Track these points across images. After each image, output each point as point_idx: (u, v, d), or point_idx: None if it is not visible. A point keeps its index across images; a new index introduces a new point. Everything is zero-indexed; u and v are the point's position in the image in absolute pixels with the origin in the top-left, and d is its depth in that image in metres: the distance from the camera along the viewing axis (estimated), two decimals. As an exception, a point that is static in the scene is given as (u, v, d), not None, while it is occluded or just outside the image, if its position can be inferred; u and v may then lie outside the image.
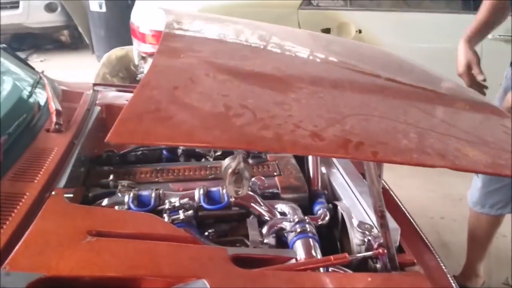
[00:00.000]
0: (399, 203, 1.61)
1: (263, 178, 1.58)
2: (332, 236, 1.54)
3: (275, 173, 1.66)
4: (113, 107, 1.95)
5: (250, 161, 1.75)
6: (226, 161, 1.29)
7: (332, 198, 1.65)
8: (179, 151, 1.81)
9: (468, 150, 0.94)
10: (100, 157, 1.71)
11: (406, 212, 1.58)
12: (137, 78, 4.33)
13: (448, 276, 1.28)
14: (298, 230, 1.31)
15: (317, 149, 0.86)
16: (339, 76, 1.29)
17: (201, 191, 1.42)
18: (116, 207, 1.36)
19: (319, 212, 1.52)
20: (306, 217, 1.38)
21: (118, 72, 4.53)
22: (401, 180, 2.94)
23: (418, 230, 1.48)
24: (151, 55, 3.50)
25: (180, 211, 1.34)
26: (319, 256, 1.27)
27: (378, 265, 1.32)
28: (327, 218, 1.50)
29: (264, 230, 1.39)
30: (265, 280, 1.09)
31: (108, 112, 1.93)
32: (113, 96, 2.12)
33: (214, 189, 1.45)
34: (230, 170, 1.24)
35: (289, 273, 1.13)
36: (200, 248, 1.17)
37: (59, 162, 1.38)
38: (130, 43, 4.06)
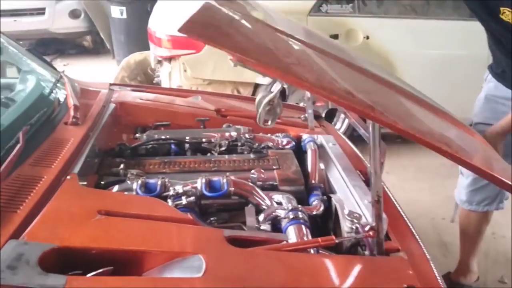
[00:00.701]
0: (390, 196, 1.70)
1: (262, 170, 1.69)
2: (326, 226, 1.64)
3: (274, 167, 1.77)
4: (127, 104, 2.10)
5: (252, 155, 1.86)
6: (262, 93, 1.41)
7: (328, 191, 1.75)
8: (186, 146, 1.93)
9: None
10: (113, 150, 1.84)
11: (397, 205, 1.67)
12: (154, 82, 4.49)
13: (431, 263, 1.37)
14: (291, 216, 1.42)
15: (350, 101, 1.00)
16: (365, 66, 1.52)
17: (203, 180, 1.53)
18: (125, 193, 1.49)
19: (314, 203, 1.62)
20: (299, 206, 1.48)
21: (136, 75, 4.71)
22: (405, 183, 3.02)
23: (407, 222, 1.57)
24: (166, 59, 3.66)
25: (183, 197, 1.46)
26: (305, 238, 1.36)
27: (366, 252, 1.42)
28: (321, 209, 1.60)
29: (261, 217, 1.50)
30: (256, 258, 1.20)
31: (122, 109, 2.06)
32: (128, 95, 2.26)
33: (215, 178, 1.56)
34: (266, 100, 1.39)
35: (278, 252, 1.24)
36: (198, 229, 1.29)
37: (74, 151, 1.51)
38: (149, 48, 4.24)
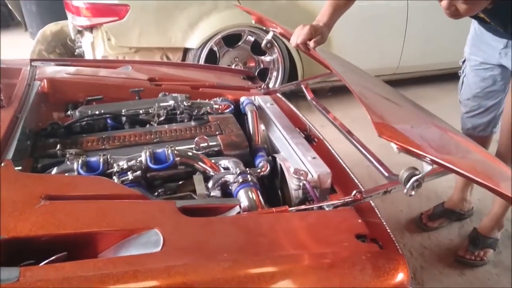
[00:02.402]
0: (331, 149, 1.76)
1: (205, 137, 1.68)
2: (273, 185, 1.68)
3: (217, 132, 1.76)
4: (54, 80, 1.98)
5: (192, 123, 1.84)
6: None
7: (272, 151, 1.78)
8: (123, 119, 1.87)
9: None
10: (45, 130, 1.74)
11: (338, 157, 1.73)
12: (76, 54, 4.26)
13: (376, 210, 1.44)
14: (240, 180, 1.43)
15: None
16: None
17: (147, 153, 1.50)
18: (66, 175, 1.43)
19: (260, 164, 1.65)
20: (247, 169, 1.50)
21: (55, 48, 4.43)
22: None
23: (351, 174, 1.63)
24: (87, 28, 3.47)
25: (129, 173, 1.42)
26: (261, 201, 1.39)
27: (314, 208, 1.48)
28: (267, 169, 1.63)
29: (210, 184, 1.50)
30: (212, 225, 1.20)
31: (49, 86, 1.95)
32: (52, 70, 2.13)
33: (159, 150, 1.53)
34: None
35: (233, 217, 1.25)
36: (150, 203, 1.27)
37: (4, 136, 1.42)
38: (65, 18, 3.98)
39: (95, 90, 2.01)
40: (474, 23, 2.26)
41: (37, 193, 1.19)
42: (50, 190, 1.21)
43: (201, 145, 1.66)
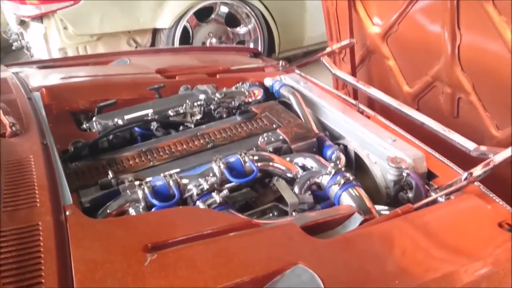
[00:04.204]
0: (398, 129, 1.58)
1: (269, 133, 1.45)
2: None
3: (274, 126, 1.53)
4: (55, 88, 1.62)
5: (238, 117, 1.58)
6: None
7: (332, 138, 1.58)
8: (153, 125, 1.57)
9: None
10: (67, 152, 1.41)
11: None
12: (14, 48, 3.75)
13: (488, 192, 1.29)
14: (342, 181, 1.23)
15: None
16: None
17: (221, 165, 1.25)
18: (131, 209, 1.15)
19: (333, 156, 1.44)
20: (339, 166, 1.29)
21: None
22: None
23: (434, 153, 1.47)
24: (37, 17, 2.99)
25: (214, 194, 1.17)
26: (367, 202, 1.20)
27: (410, 195, 1.32)
28: (344, 160, 1.44)
29: (296, 189, 1.29)
30: (351, 245, 1.01)
31: (50, 95, 1.59)
32: (42, 76, 1.76)
33: (232, 159, 1.28)
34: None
35: (364, 230, 1.06)
36: (270, 230, 1.04)
37: (48, 174, 1.10)
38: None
39: (104, 94, 1.68)
40: None
41: (133, 245, 0.92)
42: (146, 238, 0.95)
43: (269, 144, 1.43)
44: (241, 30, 3.52)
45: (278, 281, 0.90)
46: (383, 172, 1.39)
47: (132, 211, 1.16)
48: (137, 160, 1.38)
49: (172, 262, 0.90)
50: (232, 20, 3.45)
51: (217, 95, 1.67)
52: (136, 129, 1.57)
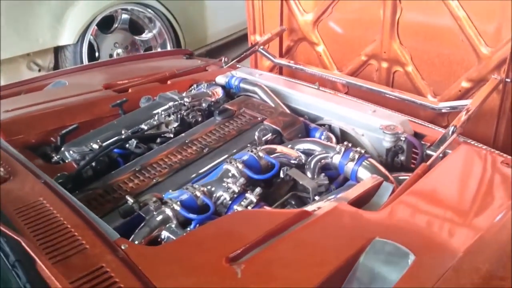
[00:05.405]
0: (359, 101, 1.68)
1: (266, 127, 1.45)
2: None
3: (259, 118, 1.52)
4: (10, 123, 1.43)
5: (218, 118, 1.54)
6: None
7: (311, 120, 1.62)
8: (131, 143, 1.46)
9: None
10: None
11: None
12: None
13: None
14: (356, 156, 1.27)
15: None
16: None
17: (239, 165, 1.21)
18: (165, 233, 1.07)
19: (322, 136, 1.49)
20: (346, 143, 1.33)
21: None
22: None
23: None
24: None
25: (247, 194, 1.14)
26: (383, 170, 1.26)
27: (402, 158, 1.41)
28: (334, 139, 1.48)
29: (308, 174, 1.31)
30: (403, 210, 1.06)
31: (7, 131, 1.40)
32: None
33: (245, 157, 1.25)
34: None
35: (412, 191, 1.11)
36: (331, 214, 1.03)
37: (74, 212, 0.98)
38: None
39: (60, 121, 1.52)
40: None
41: (214, 261, 0.88)
42: (220, 251, 0.90)
43: (264, 138, 1.42)
44: (147, 36, 3.38)
45: (365, 259, 0.91)
46: (372, 142, 1.47)
47: (165, 233, 1.08)
48: (136, 181, 1.28)
49: (262, 266, 0.87)
50: (136, 28, 3.30)
51: (186, 99, 1.61)
52: (116, 150, 1.45)
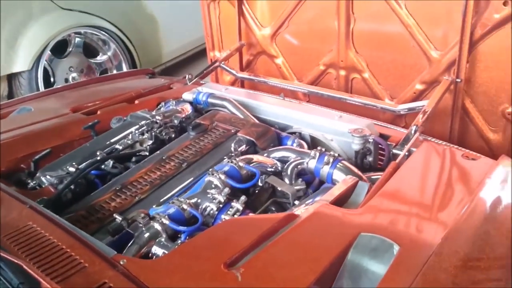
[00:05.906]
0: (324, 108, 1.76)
1: (241, 139, 1.49)
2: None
3: (232, 131, 1.56)
4: None
5: (192, 133, 1.57)
6: None
7: (281, 130, 1.68)
8: (107, 165, 1.47)
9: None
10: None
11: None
12: None
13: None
14: (331, 160, 1.33)
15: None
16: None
17: (221, 176, 1.25)
18: (156, 247, 1.09)
19: (294, 144, 1.55)
20: (320, 148, 1.40)
21: None
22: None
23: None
24: None
25: (233, 203, 1.18)
26: (356, 170, 1.34)
27: (370, 159, 1.49)
28: (305, 145, 1.55)
29: (286, 180, 1.36)
30: (383, 204, 1.13)
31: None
32: None
33: (226, 168, 1.29)
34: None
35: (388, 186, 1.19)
36: (317, 215, 1.08)
37: (67, 232, 0.99)
38: None
39: (32, 147, 1.51)
40: None
41: (212, 268, 0.91)
42: (216, 258, 0.93)
43: (240, 149, 1.47)
44: (102, 58, 3.35)
45: (353, 254, 0.97)
46: (341, 146, 1.55)
47: (155, 248, 1.10)
48: (119, 200, 1.29)
49: (260, 268, 0.91)
50: (90, 51, 3.27)
51: (157, 117, 1.63)
52: (92, 172, 1.45)
